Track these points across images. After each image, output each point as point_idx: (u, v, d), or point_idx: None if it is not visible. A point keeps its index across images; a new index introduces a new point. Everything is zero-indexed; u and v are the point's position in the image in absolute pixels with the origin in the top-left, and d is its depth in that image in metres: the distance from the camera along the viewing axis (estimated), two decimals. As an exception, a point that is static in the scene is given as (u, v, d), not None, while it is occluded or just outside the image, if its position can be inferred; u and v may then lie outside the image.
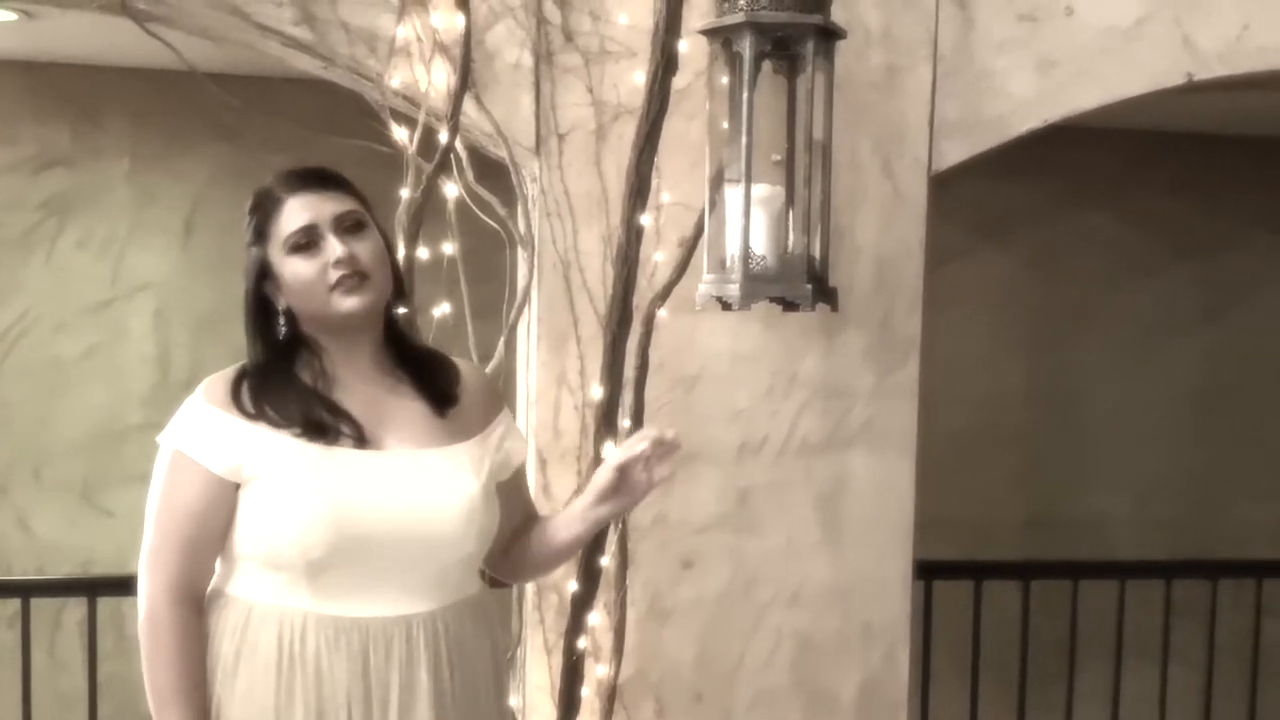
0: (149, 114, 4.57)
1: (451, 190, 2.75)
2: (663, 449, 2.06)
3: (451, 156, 2.72)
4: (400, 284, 2.11)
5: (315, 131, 2.82)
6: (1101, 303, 5.55)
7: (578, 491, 2.82)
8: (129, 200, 4.64)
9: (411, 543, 1.98)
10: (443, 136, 2.70)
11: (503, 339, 2.81)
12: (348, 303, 1.97)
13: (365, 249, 1.99)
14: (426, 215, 2.72)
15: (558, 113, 2.84)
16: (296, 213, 1.98)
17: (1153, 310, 5.59)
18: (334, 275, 1.96)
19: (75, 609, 4.24)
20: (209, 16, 2.75)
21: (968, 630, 3.71)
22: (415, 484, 1.99)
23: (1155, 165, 5.43)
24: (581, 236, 2.84)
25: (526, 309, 2.88)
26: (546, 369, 2.86)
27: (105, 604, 3.60)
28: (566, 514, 2.20)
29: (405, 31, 2.74)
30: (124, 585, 3.73)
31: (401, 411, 2.05)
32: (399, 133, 2.73)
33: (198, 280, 4.64)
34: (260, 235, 2.01)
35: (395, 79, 2.74)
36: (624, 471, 2.08)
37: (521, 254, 2.88)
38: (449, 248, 2.77)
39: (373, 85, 2.78)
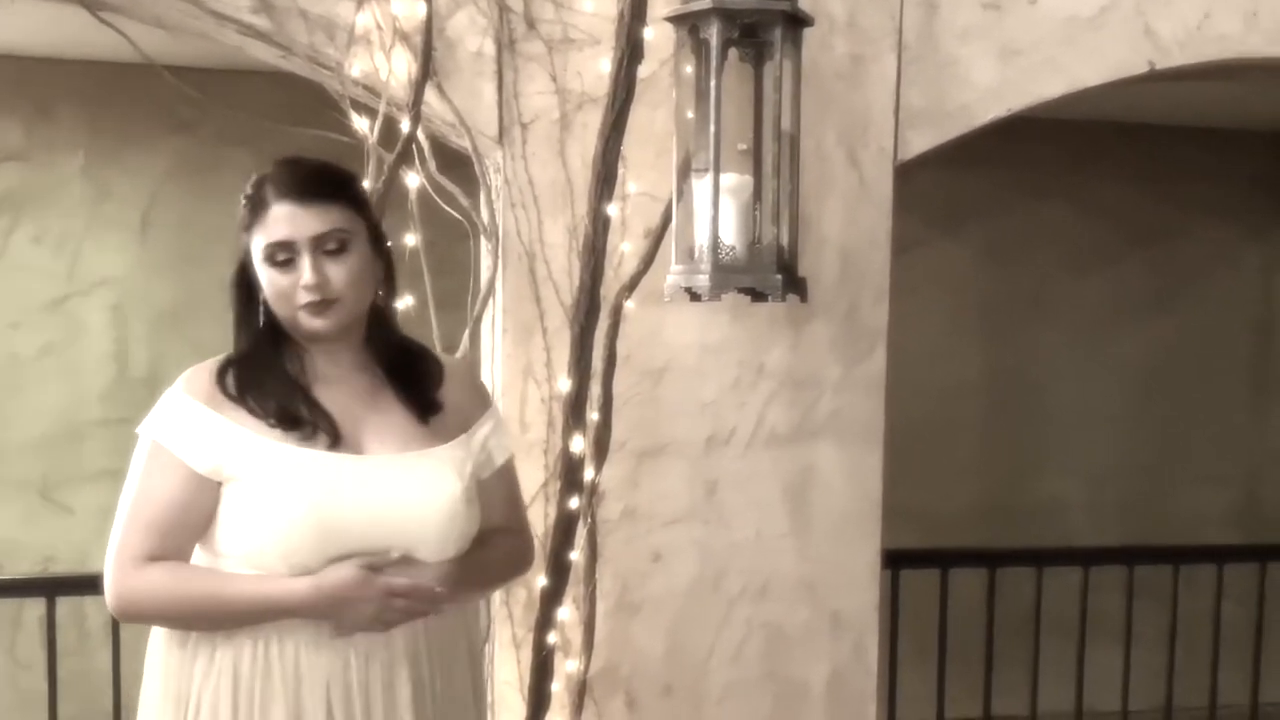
0: (103, 108, 4.52)
1: (413, 181, 2.71)
2: None
3: (414, 146, 2.69)
4: (392, 281, 2.10)
5: (274, 123, 2.78)
6: (1056, 291, 5.62)
7: (544, 485, 2.82)
8: (85, 195, 4.58)
9: (392, 546, 1.96)
10: (404, 126, 2.67)
11: (468, 332, 2.79)
12: (313, 323, 1.97)
13: (340, 272, 1.96)
14: (385, 207, 2.68)
15: (521, 101, 2.81)
16: (277, 224, 1.94)
17: (1106, 298, 5.66)
18: (302, 298, 1.95)
19: (35, 607, 4.20)
20: (164, 5, 2.71)
21: (928, 616, 3.72)
22: (397, 488, 1.97)
23: (1108, 156, 5.50)
24: (546, 227, 2.81)
25: (491, 301, 2.86)
26: (512, 361, 2.83)
27: (66, 602, 3.55)
28: None
29: (365, 19, 2.70)
30: (84, 584, 3.68)
31: (382, 414, 2.04)
32: (359, 122, 2.69)
33: (156, 276, 4.60)
34: (248, 227, 1.98)
35: (355, 68, 2.70)
36: None
37: (486, 245, 2.85)
38: (411, 239, 2.73)
39: (332, 75, 2.74)
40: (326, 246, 1.95)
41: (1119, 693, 3.97)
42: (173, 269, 4.57)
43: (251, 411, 1.95)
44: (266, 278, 1.96)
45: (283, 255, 1.94)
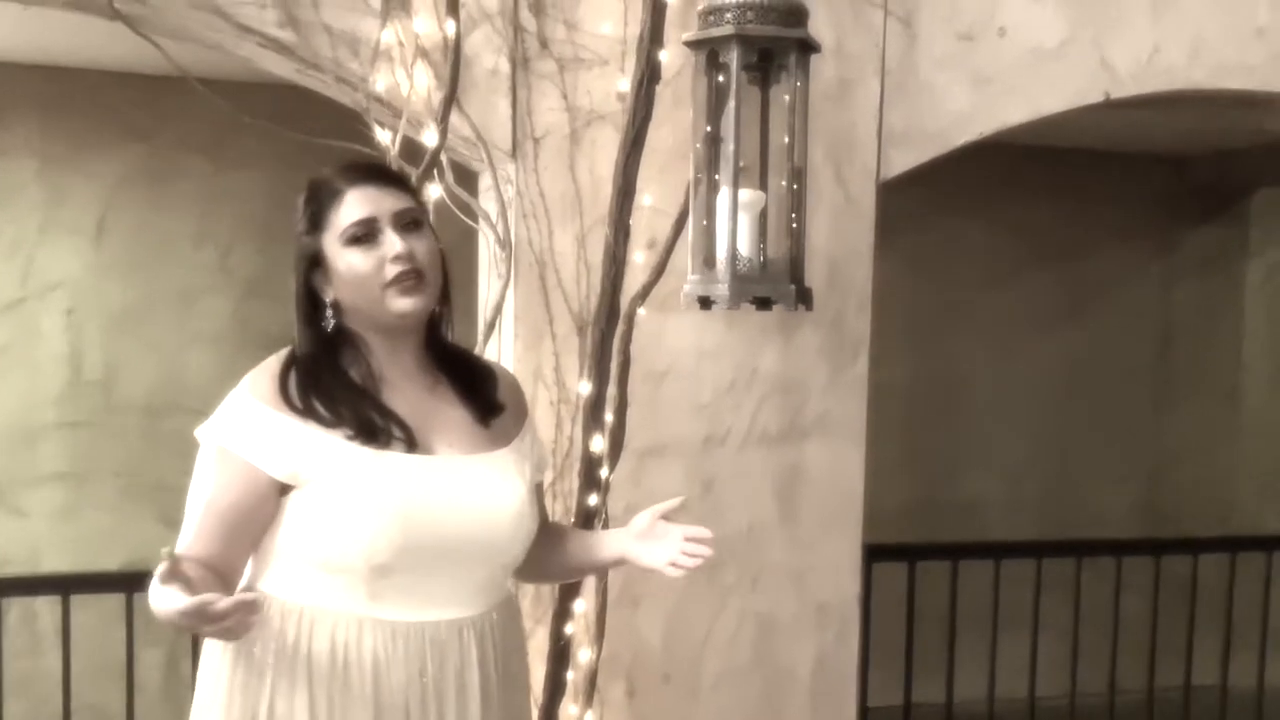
0: (58, 113, 4.51)
1: (434, 192, 2.82)
2: (694, 546, 2.08)
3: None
4: (448, 285, 2.08)
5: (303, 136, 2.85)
6: (974, 303, 5.92)
7: (553, 484, 2.95)
8: (39, 200, 4.56)
9: (469, 546, 1.99)
10: (426, 139, 2.78)
11: (481, 336, 2.90)
12: (403, 303, 1.96)
13: (423, 248, 1.98)
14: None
15: (533, 117, 2.94)
16: (357, 205, 1.96)
17: (1020, 310, 6.00)
18: (392, 271, 1.94)
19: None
20: (187, 16, 2.78)
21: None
22: (470, 489, 2.00)
23: (1021, 179, 5.81)
24: (556, 237, 2.95)
25: (501, 307, 2.97)
26: (523, 365, 2.95)
27: (18, 604, 3.55)
28: (597, 537, 2.27)
29: (388, 36, 2.81)
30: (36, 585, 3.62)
31: (446, 415, 2.05)
32: (382, 135, 2.80)
33: (110, 279, 4.58)
34: (315, 225, 1.98)
35: (379, 83, 2.81)
36: (659, 522, 2.13)
37: (499, 254, 2.96)
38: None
39: (354, 89, 2.84)
40: (405, 222, 1.98)
41: (1025, 680, 4.21)
42: (127, 274, 4.55)
43: (322, 419, 1.94)
44: (346, 263, 1.96)
45: (365, 234, 1.96)
